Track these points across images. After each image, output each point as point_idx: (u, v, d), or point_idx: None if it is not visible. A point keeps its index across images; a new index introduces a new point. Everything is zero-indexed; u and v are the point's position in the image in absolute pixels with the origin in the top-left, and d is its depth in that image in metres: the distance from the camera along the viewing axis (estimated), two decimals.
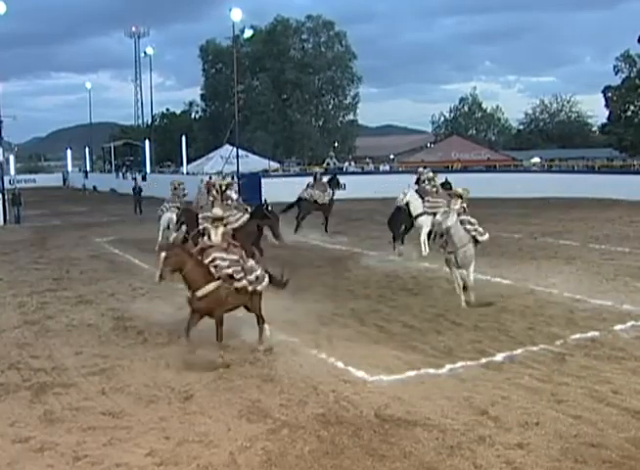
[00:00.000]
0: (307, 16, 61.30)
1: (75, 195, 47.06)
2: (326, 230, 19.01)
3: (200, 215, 13.68)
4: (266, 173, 37.76)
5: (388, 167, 44.49)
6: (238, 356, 7.90)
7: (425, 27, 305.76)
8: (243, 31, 48.31)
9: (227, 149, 41.70)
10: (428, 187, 15.23)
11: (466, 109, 76.17)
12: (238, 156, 35.45)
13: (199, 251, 8.06)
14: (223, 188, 14.80)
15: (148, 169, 48.11)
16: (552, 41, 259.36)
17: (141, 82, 68.66)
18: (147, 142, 50.71)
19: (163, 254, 7.61)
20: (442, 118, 76.72)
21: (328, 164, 45.68)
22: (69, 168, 65.10)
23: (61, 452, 5.63)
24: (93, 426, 6.14)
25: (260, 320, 8.35)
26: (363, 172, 40.56)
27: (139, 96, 69.31)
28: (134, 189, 30.67)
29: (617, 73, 51.52)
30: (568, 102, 74.17)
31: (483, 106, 76.95)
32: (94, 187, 50.90)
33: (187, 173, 41.63)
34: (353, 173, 37.90)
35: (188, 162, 46.64)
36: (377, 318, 9.65)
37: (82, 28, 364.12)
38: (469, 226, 10.38)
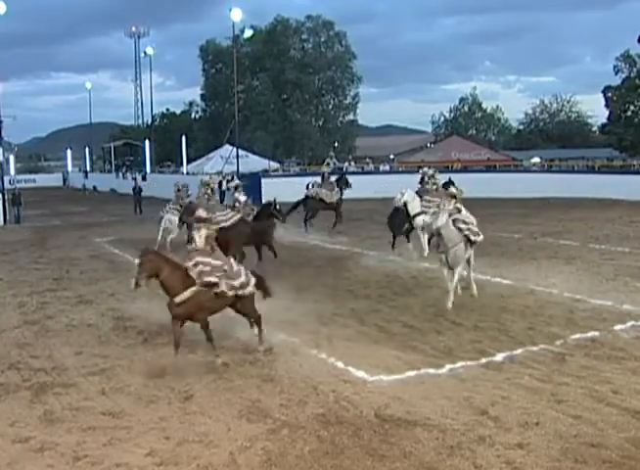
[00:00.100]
0: (307, 16, 61.47)
1: (75, 195, 47.07)
2: (333, 226, 19.07)
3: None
4: (266, 173, 37.77)
5: (387, 167, 44.52)
6: (238, 356, 7.90)
7: (425, 27, 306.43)
8: (243, 31, 48.41)
9: (227, 149, 41.75)
10: (427, 186, 15.22)
11: (466, 109, 76.27)
12: (238, 156, 35.50)
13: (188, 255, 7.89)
14: (224, 186, 14.85)
15: (148, 169, 48.14)
16: (552, 41, 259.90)
17: (141, 82, 68.84)
18: (147, 142, 50.74)
19: (137, 260, 7.46)
20: (442, 118, 76.89)
21: (328, 164, 45.66)
22: (69, 168, 65.16)
23: (61, 452, 5.63)
24: (93, 426, 6.14)
25: (255, 322, 8.22)
26: (363, 172, 40.56)
27: (139, 96, 69.50)
28: (134, 189, 30.67)
29: (616, 73, 51.66)
30: (568, 102, 74.35)
31: (483, 106, 77.17)
32: (94, 187, 50.92)
33: (187, 173, 41.63)
34: (353, 173, 37.85)
35: (188, 162, 46.67)
36: (377, 318, 9.64)
37: (82, 28, 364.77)
38: (462, 225, 10.30)
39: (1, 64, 79.32)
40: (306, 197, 19.61)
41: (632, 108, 51.32)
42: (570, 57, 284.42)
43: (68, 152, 66.12)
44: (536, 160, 47.87)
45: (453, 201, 10.56)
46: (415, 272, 13.08)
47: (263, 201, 14.95)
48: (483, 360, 7.66)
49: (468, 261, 10.65)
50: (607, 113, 53.01)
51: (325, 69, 60.88)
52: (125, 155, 59.47)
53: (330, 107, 63.99)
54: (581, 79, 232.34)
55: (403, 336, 8.74)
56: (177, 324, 7.64)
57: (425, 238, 13.99)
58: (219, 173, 34.18)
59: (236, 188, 14.67)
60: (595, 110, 70.38)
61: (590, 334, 8.54)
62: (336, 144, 60.60)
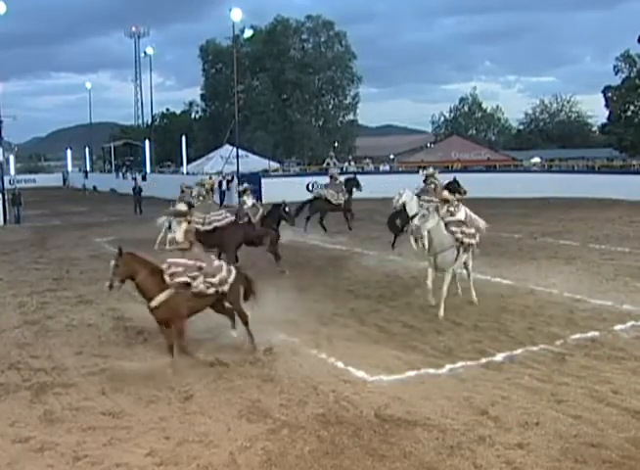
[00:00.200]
0: (307, 16, 61.44)
1: (75, 195, 47.06)
2: (349, 228, 19.10)
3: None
4: (266, 173, 37.77)
5: (387, 167, 44.51)
6: (238, 356, 7.89)
7: (425, 27, 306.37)
8: (243, 31, 48.41)
9: (227, 149, 41.75)
10: (422, 185, 15.15)
11: (466, 109, 76.27)
12: (238, 156, 35.48)
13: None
14: (224, 187, 14.86)
15: (148, 169, 48.16)
16: (552, 41, 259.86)
17: (141, 82, 68.81)
18: (147, 142, 50.75)
19: (112, 261, 7.36)
20: (442, 118, 76.89)
21: (328, 164, 45.66)
22: (69, 168, 65.15)
23: (61, 452, 5.63)
24: (93, 426, 6.14)
25: (242, 320, 8.11)
26: (363, 172, 40.53)
27: (139, 96, 69.46)
28: (134, 189, 30.67)
29: (616, 73, 51.65)
30: (568, 102, 74.35)
31: (483, 106, 77.17)
32: (94, 187, 50.92)
33: (187, 173, 41.64)
34: (353, 173, 37.87)
35: (188, 162, 46.70)
36: (377, 318, 9.64)
37: (82, 28, 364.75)
38: (454, 228, 10.05)
39: (1, 64, 79.46)
40: (314, 197, 19.68)
41: (632, 108, 51.31)
42: (570, 57, 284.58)
43: (68, 152, 66.12)
44: (536, 160, 47.87)
45: (446, 205, 10.34)
46: (415, 272, 13.06)
47: (263, 201, 14.90)
48: (483, 360, 7.66)
49: (465, 265, 10.52)
50: (607, 113, 53.08)
51: (325, 69, 60.88)
52: (125, 155, 59.46)
53: (330, 107, 63.99)
54: (581, 79, 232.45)
55: (403, 336, 8.74)
56: (162, 327, 7.61)
57: (413, 239, 13.94)
58: (219, 173, 34.25)
59: (244, 191, 14.58)
60: (595, 110, 70.60)
61: (590, 334, 8.54)
62: (336, 144, 60.61)
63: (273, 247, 13.56)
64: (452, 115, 76.42)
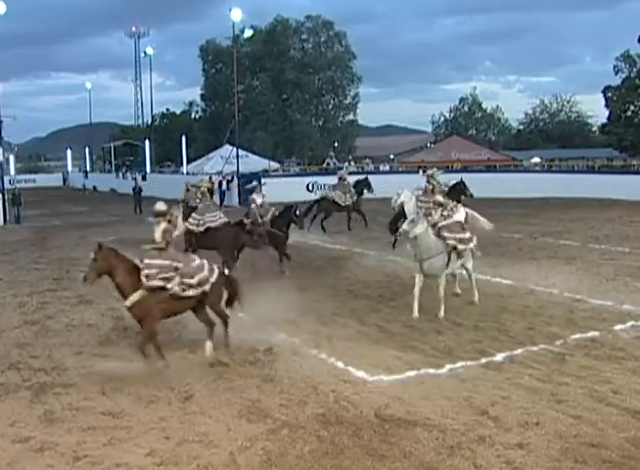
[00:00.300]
0: (307, 16, 61.40)
1: (75, 195, 47.05)
2: (365, 225, 19.24)
3: (192, 216, 13.80)
4: (266, 173, 37.76)
5: (387, 167, 44.49)
6: (238, 356, 7.90)
7: (425, 27, 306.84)
8: (243, 31, 48.37)
9: (227, 149, 41.73)
10: (424, 186, 15.13)
11: (466, 109, 76.26)
12: (238, 156, 35.45)
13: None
14: (224, 187, 14.85)
15: (148, 169, 48.13)
16: (552, 41, 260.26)
17: (141, 82, 68.76)
18: (147, 142, 50.74)
19: (92, 255, 7.34)
20: (442, 118, 76.89)
21: (328, 164, 45.68)
22: (69, 168, 65.11)
23: (61, 452, 5.64)
24: (93, 426, 6.14)
25: (223, 323, 7.96)
26: (363, 172, 40.52)
27: (139, 96, 69.40)
28: (134, 189, 30.67)
29: (616, 73, 51.63)
30: (568, 102, 74.34)
31: (483, 106, 77.17)
32: (94, 187, 50.90)
33: (187, 173, 41.63)
34: (353, 173, 37.88)
35: (188, 162, 46.68)
36: (377, 318, 9.64)
37: (82, 28, 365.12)
38: (447, 234, 9.81)
39: (1, 64, 79.38)
40: (321, 198, 19.77)
41: (632, 108, 51.29)
42: (570, 57, 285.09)
43: (68, 152, 66.08)
44: (537, 160, 47.89)
45: (440, 209, 10.22)
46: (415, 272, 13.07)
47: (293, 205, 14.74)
48: (483, 360, 7.66)
49: (465, 268, 10.44)
50: (607, 113, 53.05)
51: (325, 69, 60.86)
52: (125, 155, 59.42)
53: (330, 107, 63.97)
54: (581, 79, 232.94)
55: (403, 336, 8.74)
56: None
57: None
58: (219, 173, 34.24)
59: (254, 189, 14.59)
60: (595, 110, 70.57)
61: (590, 334, 8.54)
62: (336, 144, 60.61)
63: (282, 247, 13.49)
64: (452, 115, 76.43)
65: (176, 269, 7.47)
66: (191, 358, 7.79)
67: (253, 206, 13.82)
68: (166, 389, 6.98)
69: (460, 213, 11.51)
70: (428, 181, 15.51)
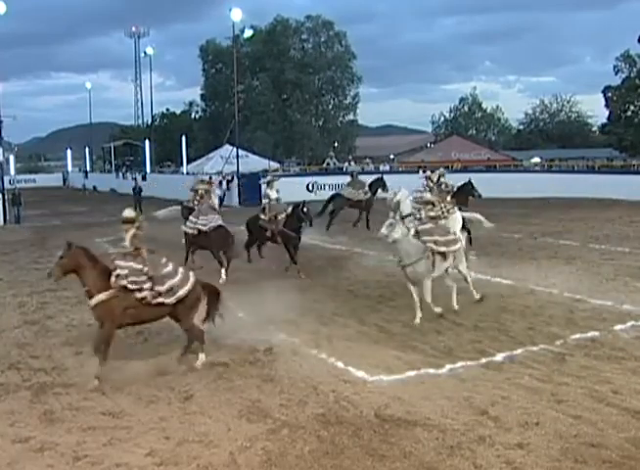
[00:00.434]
0: (307, 16, 61.45)
1: (75, 195, 47.05)
2: (367, 227, 19.20)
3: (189, 218, 13.96)
4: (266, 173, 37.74)
5: (388, 167, 44.51)
6: (238, 356, 7.90)
7: (425, 27, 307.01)
8: (243, 31, 48.36)
9: (227, 149, 41.71)
10: (421, 187, 15.07)
11: (466, 109, 76.29)
12: (238, 156, 35.45)
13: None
14: (224, 186, 14.74)
15: (148, 169, 48.13)
16: (552, 41, 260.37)
17: (141, 82, 68.74)
18: (147, 142, 50.74)
19: (59, 252, 7.32)
20: (442, 118, 76.94)
21: (328, 164, 45.70)
22: (69, 168, 65.15)
23: (61, 452, 5.64)
24: (93, 426, 6.14)
25: (195, 336, 7.62)
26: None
27: (139, 96, 69.38)
28: (134, 189, 30.71)
29: (616, 73, 51.66)
30: (568, 102, 74.39)
31: (483, 106, 77.22)
32: (94, 187, 50.91)
33: (187, 173, 41.63)
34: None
35: (188, 162, 46.67)
36: (377, 318, 9.64)
37: (82, 28, 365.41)
38: (426, 237, 9.42)
39: (1, 64, 79.34)
40: (335, 195, 19.94)
41: (632, 108, 51.31)
42: (570, 57, 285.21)
43: (68, 152, 66.11)
44: (537, 160, 47.90)
45: (428, 207, 9.96)
46: None
47: (265, 201, 14.63)
48: (483, 360, 7.66)
49: (459, 270, 10.07)
50: (607, 113, 53.09)
51: (325, 69, 60.87)
52: (125, 155, 59.43)
53: (330, 107, 63.99)
54: (581, 79, 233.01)
55: (403, 336, 8.74)
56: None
57: None
58: (219, 173, 34.22)
59: (268, 183, 14.42)
60: (595, 110, 70.49)
61: (590, 334, 8.53)
62: (336, 144, 60.63)
63: (292, 249, 13.34)
64: (452, 115, 76.46)
65: (147, 274, 7.33)
66: (191, 358, 7.78)
67: (265, 201, 13.82)
68: (166, 389, 6.99)
69: (455, 216, 11.46)
70: (438, 181, 15.45)
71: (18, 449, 5.73)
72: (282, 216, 13.45)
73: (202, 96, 66.10)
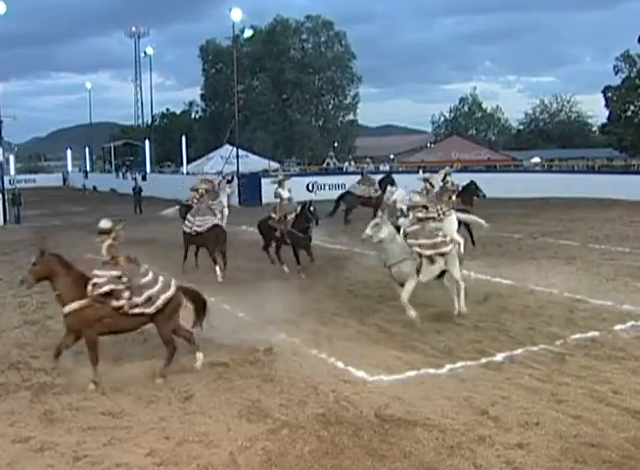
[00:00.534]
0: (307, 16, 61.37)
1: (75, 195, 47.04)
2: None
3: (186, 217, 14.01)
4: (266, 173, 37.74)
5: (388, 167, 44.47)
6: (238, 356, 7.90)
7: (425, 27, 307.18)
8: (243, 31, 48.35)
9: (227, 149, 41.68)
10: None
11: (466, 109, 76.25)
12: (238, 156, 35.45)
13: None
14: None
15: (148, 169, 48.11)
16: (552, 41, 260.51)
17: (141, 82, 68.70)
18: (147, 142, 50.71)
19: (33, 258, 7.23)
20: (442, 118, 76.88)
21: (328, 164, 45.69)
22: (69, 168, 65.09)
23: (61, 452, 5.64)
24: (93, 426, 6.14)
25: (169, 351, 7.37)
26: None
27: (139, 96, 69.33)
28: (134, 189, 30.69)
29: (617, 73, 51.59)
30: (568, 102, 74.34)
31: (483, 106, 77.16)
32: (94, 187, 50.88)
33: (187, 173, 41.62)
34: (353, 173, 37.89)
35: (188, 162, 46.65)
36: (377, 318, 9.64)
37: (82, 28, 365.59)
38: (411, 240, 9.24)
39: (1, 64, 79.29)
40: (346, 192, 20.08)
41: (632, 108, 51.26)
42: (570, 57, 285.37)
43: (68, 152, 66.05)
44: (537, 160, 47.90)
45: (417, 209, 9.74)
46: None
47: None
48: (483, 360, 7.66)
49: (450, 273, 9.63)
50: (607, 113, 53.02)
51: (325, 69, 60.83)
52: (125, 155, 59.39)
53: (330, 107, 63.94)
54: (581, 79, 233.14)
55: (403, 336, 8.73)
56: (69, 334, 7.38)
57: None
58: (219, 173, 34.21)
59: (279, 183, 14.32)
60: (595, 110, 70.37)
61: (590, 334, 8.53)
62: (336, 144, 60.59)
63: (299, 250, 13.32)
64: (452, 115, 76.42)
65: (125, 283, 7.22)
66: (191, 358, 7.77)
67: (279, 200, 13.81)
68: (166, 389, 6.99)
69: (451, 218, 11.43)
70: (443, 180, 15.41)
71: (18, 449, 5.73)
72: (291, 217, 13.41)
73: (202, 96, 66.07)
